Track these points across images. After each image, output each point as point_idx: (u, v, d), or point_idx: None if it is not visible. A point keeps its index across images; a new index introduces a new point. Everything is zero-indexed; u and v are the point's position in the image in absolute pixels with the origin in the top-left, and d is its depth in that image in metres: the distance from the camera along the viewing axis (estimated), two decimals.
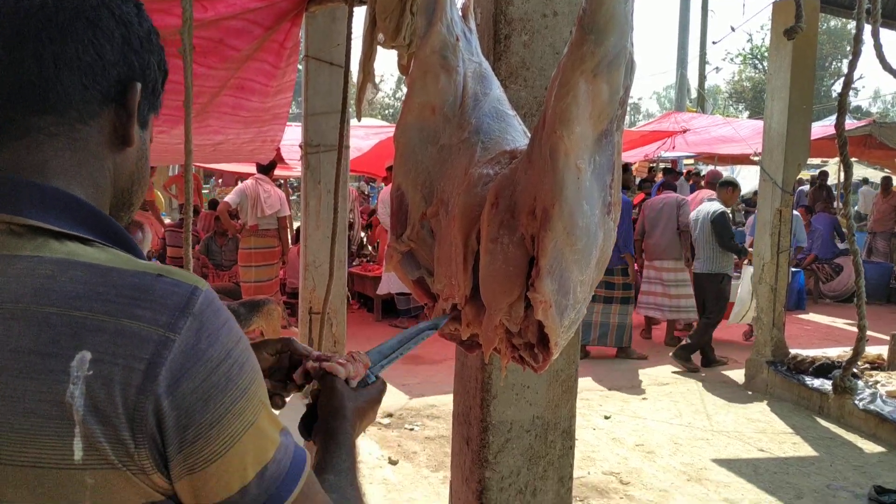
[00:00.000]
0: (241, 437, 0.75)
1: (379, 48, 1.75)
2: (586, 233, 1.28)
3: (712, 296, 7.31)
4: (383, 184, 10.40)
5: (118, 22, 0.85)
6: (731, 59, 39.35)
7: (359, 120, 2.00)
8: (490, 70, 1.60)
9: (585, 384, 6.57)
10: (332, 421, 1.08)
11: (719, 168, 17.91)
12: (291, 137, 7.57)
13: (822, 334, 8.84)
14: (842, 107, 1.27)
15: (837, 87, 38.93)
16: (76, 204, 0.81)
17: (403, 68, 1.68)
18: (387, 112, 39.56)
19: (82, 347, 0.70)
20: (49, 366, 0.69)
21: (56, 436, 0.69)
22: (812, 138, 6.55)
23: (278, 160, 7.96)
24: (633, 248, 7.49)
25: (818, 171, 14.17)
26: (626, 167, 8.04)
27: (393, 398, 6.14)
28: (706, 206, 7.47)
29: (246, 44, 2.80)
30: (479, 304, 1.47)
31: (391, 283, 8.54)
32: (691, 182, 17.52)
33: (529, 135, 1.50)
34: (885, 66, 1.17)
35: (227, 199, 8.12)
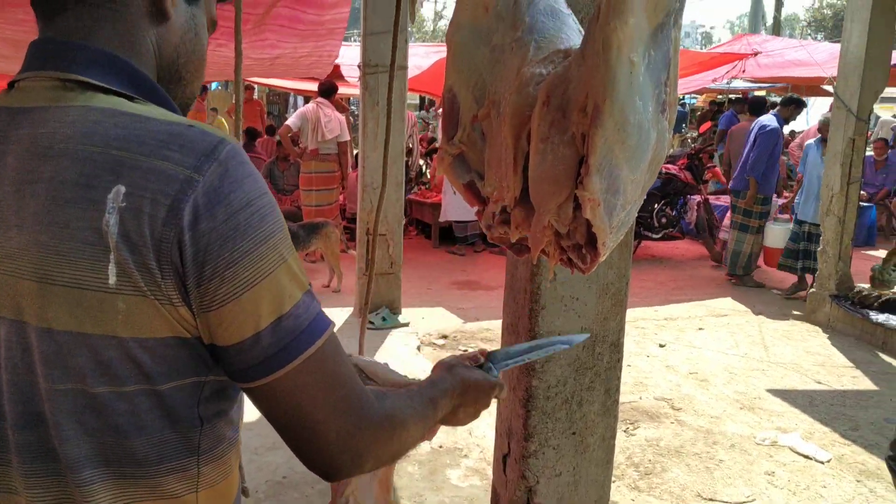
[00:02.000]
0: (257, 284, 0.80)
1: None
2: (638, 130, 1.25)
3: None
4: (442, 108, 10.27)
5: None
6: None
7: (412, 22, 1.98)
8: None
9: (641, 313, 6.55)
10: (437, 370, 1.13)
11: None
12: (353, 55, 7.53)
13: None
14: None
15: None
16: (121, 63, 0.88)
17: None
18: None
19: (118, 182, 0.77)
20: (90, 196, 0.77)
21: (94, 259, 0.77)
22: (893, 63, 6.21)
23: (337, 78, 7.95)
24: (758, 174, 7.29)
25: None
26: (800, 101, 7.70)
27: (448, 321, 6.24)
28: None
29: None
30: (528, 206, 1.46)
31: (450, 210, 8.57)
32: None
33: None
34: None
35: (287, 122, 8.17)
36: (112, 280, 0.77)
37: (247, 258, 0.79)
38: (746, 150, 7.39)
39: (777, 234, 7.48)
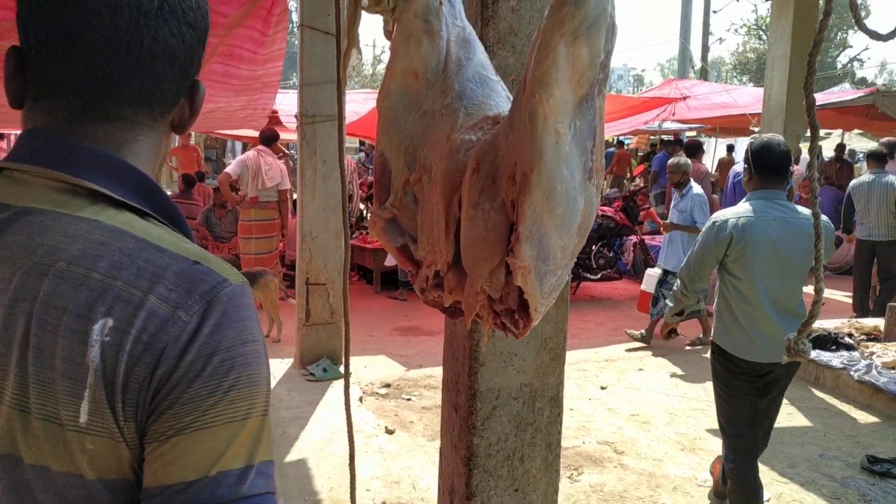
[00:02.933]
0: (190, 432, 0.74)
1: (364, 13, 1.73)
2: (566, 198, 1.27)
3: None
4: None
5: (204, 24, 0.91)
6: (736, 30, 38.96)
7: (343, 87, 1.99)
8: (474, 34, 1.58)
9: (582, 355, 6.60)
10: None
11: (721, 140, 17.82)
12: (290, 101, 7.52)
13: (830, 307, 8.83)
14: (811, 66, 1.25)
15: (842, 58, 38.61)
16: (140, 178, 0.86)
17: (388, 34, 1.66)
18: None
19: (109, 314, 0.74)
20: (80, 326, 0.73)
21: (71, 394, 0.73)
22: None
23: (275, 124, 7.91)
24: None
25: (835, 144, 14.04)
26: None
27: (390, 369, 6.18)
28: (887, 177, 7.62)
29: (233, 10, 2.76)
30: (461, 271, 1.47)
31: None
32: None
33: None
34: (861, 26, 1.15)
35: (227, 170, 8.09)
36: (83, 419, 0.73)
37: (193, 403, 0.74)
38: (728, 200, 7.63)
39: (652, 279, 7.24)
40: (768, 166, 3.31)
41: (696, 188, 6.91)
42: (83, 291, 0.74)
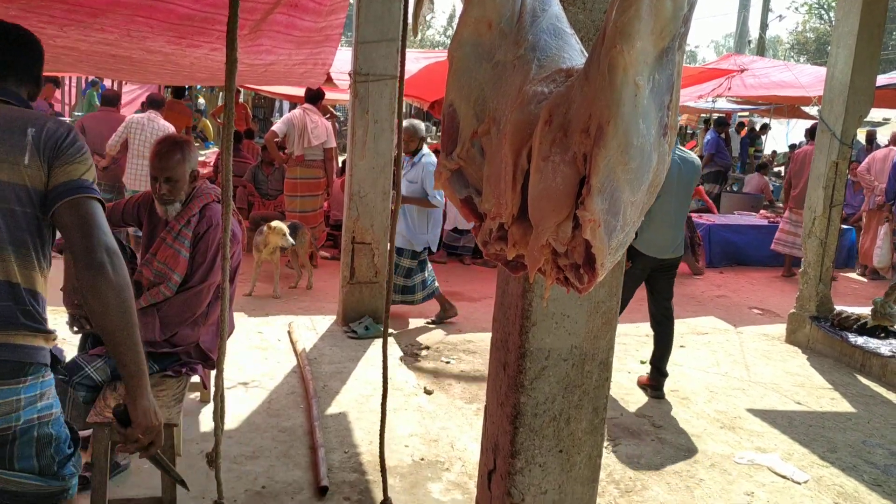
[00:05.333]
0: (72, 165, 1.83)
1: None
2: (640, 152, 1.25)
3: None
4: (429, 111, 10.24)
5: (39, 47, 2.05)
6: (796, 8, 37.79)
7: (415, 35, 1.98)
8: None
9: (622, 329, 6.55)
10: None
11: (774, 121, 17.39)
12: (340, 58, 7.50)
13: (870, 293, 8.64)
14: None
15: None
16: (20, 95, 1.97)
17: None
18: (436, 50, 39.06)
19: (33, 127, 1.82)
20: (22, 131, 1.80)
21: (21, 153, 1.78)
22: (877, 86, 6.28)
23: (325, 81, 7.93)
24: None
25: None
26: None
27: (431, 332, 6.22)
28: None
29: None
30: (526, 224, 1.46)
31: (458, 217, 8.53)
32: (742, 134, 17.12)
33: (587, 54, 1.47)
34: None
35: (273, 128, 8.14)
36: (26, 161, 1.77)
37: (69, 154, 1.84)
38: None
39: None
40: None
41: (430, 156, 6.22)
42: (20, 121, 1.81)
